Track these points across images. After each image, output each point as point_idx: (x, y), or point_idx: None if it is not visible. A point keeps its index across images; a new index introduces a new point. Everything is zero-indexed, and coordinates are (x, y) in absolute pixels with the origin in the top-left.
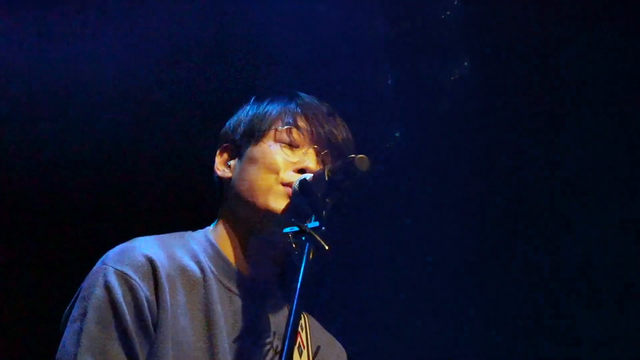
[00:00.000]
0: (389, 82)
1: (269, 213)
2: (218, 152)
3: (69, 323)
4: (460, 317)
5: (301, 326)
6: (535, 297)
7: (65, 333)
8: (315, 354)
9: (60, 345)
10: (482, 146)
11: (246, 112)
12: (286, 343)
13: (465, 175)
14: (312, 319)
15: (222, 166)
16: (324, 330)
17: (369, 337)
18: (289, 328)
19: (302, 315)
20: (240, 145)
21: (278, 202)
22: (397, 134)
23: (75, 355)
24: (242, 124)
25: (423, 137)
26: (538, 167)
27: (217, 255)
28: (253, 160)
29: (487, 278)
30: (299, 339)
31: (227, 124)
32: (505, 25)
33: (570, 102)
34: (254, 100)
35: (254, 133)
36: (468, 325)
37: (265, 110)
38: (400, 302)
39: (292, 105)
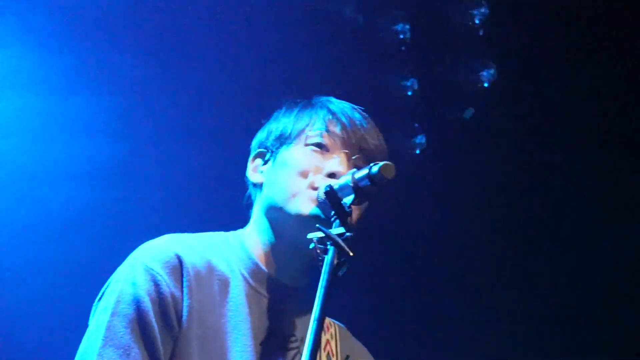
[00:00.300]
0: (414, 87)
1: (298, 217)
2: (251, 158)
3: (95, 315)
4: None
5: (332, 335)
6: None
7: (90, 325)
8: None
9: (85, 336)
10: (504, 152)
11: (278, 118)
12: (309, 348)
13: (489, 182)
14: (344, 329)
15: (254, 171)
16: (354, 339)
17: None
18: (312, 333)
19: (332, 325)
20: (272, 150)
21: (307, 206)
22: (421, 140)
23: (98, 348)
24: (274, 130)
25: (446, 143)
26: (560, 174)
27: (247, 257)
28: (283, 165)
29: (512, 282)
30: (328, 348)
31: (260, 130)
32: (533, 30)
33: (596, 110)
34: (286, 106)
35: (285, 138)
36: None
37: (297, 115)
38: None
39: (324, 110)
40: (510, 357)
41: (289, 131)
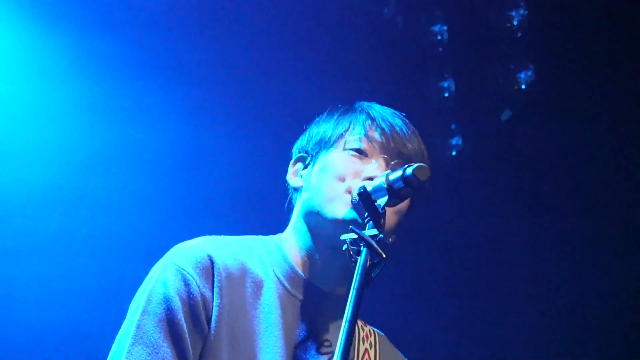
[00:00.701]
0: (451, 88)
1: (334, 221)
2: (291, 162)
3: (128, 314)
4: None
5: (371, 344)
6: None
7: (123, 323)
8: None
9: (117, 335)
10: (541, 154)
11: (319, 123)
12: (340, 349)
13: (526, 183)
14: (384, 337)
15: (294, 175)
16: (394, 348)
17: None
18: (343, 334)
19: (372, 333)
20: (312, 155)
21: (343, 210)
22: (458, 142)
23: (127, 346)
24: (314, 135)
25: (483, 145)
26: (599, 175)
27: (284, 260)
28: (322, 169)
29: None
30: (366, 356)
31: (302, 135)
32: (571, 31)
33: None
34: (327, 111)
35: (325, 142)
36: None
37: (337, 120)
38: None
39: (364, 115)
40: None
41: (328, 136)
